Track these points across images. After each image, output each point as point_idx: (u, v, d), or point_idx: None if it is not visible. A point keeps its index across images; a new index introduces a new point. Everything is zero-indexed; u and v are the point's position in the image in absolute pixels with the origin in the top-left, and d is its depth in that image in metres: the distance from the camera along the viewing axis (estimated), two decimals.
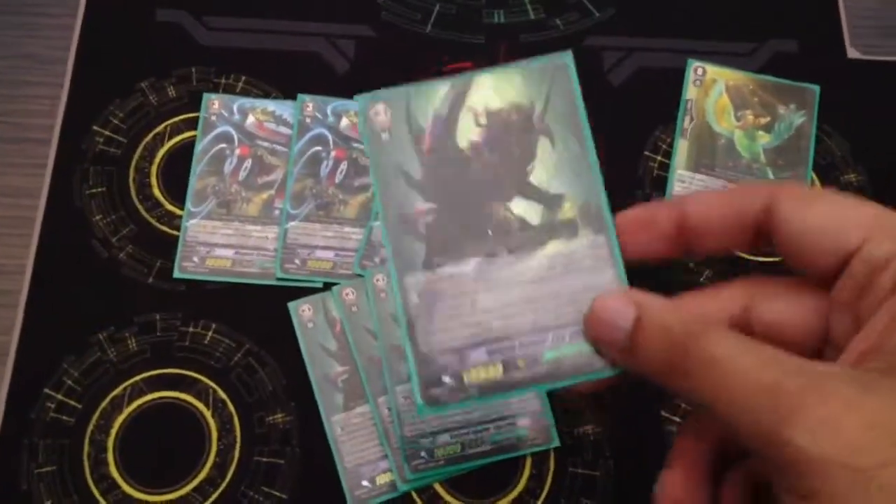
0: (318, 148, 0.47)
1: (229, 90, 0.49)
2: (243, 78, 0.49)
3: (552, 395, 0.42)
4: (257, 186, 0.46)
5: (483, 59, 0.50)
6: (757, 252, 0.46)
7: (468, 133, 0.29)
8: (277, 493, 0.41)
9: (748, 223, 0.26)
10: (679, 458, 0.27)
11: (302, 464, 0.41)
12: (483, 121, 0.29)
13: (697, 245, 0.28)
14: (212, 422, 0.42)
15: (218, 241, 0.45)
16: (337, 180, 0.47)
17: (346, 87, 0.49)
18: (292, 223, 0.45)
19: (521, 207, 0.28)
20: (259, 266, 0.45)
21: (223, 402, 0.42)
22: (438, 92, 0.29)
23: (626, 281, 0.28)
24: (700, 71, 0.51)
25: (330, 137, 0.47)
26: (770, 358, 0.23)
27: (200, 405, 0.42)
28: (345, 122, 0.48)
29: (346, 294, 0.43)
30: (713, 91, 0.50)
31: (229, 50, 0.50)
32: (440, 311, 0.27)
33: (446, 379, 0.27)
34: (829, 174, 0.49)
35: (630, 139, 0.49)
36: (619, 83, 0.50)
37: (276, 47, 0.50)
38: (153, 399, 0.42)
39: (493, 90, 0.29)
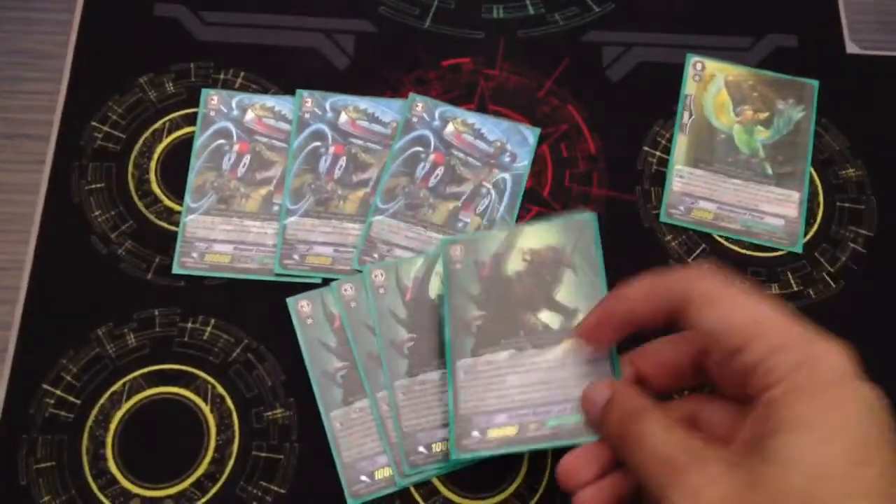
0: (318, 143, 0.47)
1: (228, 86, 0.49)
2: (242, 73, 0.49)
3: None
4: (256, 182, 0.46)
5: (482, 54, 0.50)
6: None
7: (516, 265, 0.40)
8: (276, 488, 0.41)
9: (670, 317, 0.33)
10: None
11: (300, 459, 0.41)
12: (528, 258, 0.40)
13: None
14: (210, 417, 0.42)
15: (217, 237, 0.45)
16: (336, 176, 0.47)
17: (346, 82, 0.49)
18: (291, 219, 0.45)
19: (547, 316, 0.39)
20: (258, 262, 0.45)
21: (221, 397, 0.42)
22: (497, 238, 0.41)
23: (619, 373, 0.37)
24: (699, 66, 0.51)
25: (329, 133, 0.47)
26: (676, 439, 0.30)
27: (199, 401, 0.42)
28: (344, 117, 0.48)
29: (345, 289, 0.43)
30: (712, 86, 0.50)
31: (228, 45, 0.50)
32: (478, 385, 0.38)
33: (475, 433, 0.38)
34: (827, 169, 0.49)
35: (629, 134, 0.49)
36: (619, 78, 0.50)
37: (274, 42, 0.50)
38: (152, 395, 0.42)
39: (536, 237, 0.41)
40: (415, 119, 0.48)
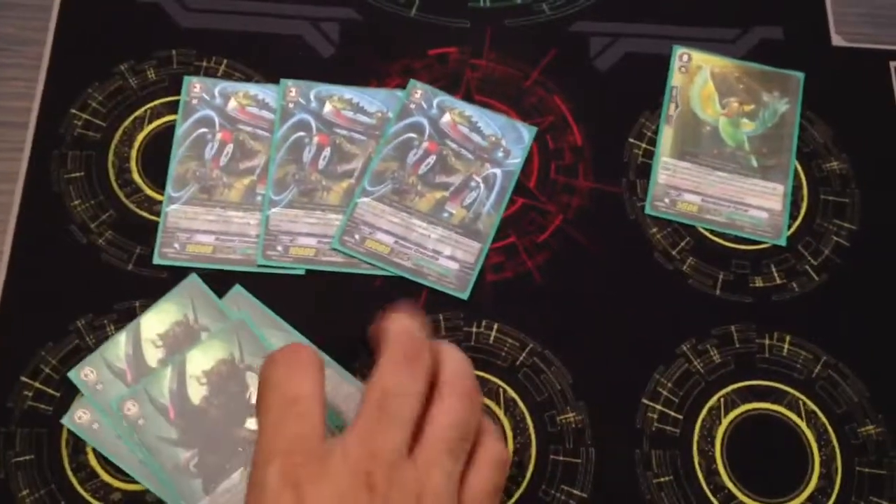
0: (302, 133, 0.47)
1: (211, 73, 0.48)
2: (225, 61, 0.48)
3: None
4: (239, 172, 0.46)
5: (468, 43, 0.50)
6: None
7: (198, 393, 0.40)
8: None
9: None
10: None
11: None
12: (204, 380, 0.40)
13: None
14: None
15: (199, 227, 0.45)
16: (320, 166, 0.46)
17: (331, 71, 0.49)
18: (274, 209, 0.45)
19: (253, 423, 0.39)
20: (241, 252, 0.44)
21: None
22: (166, 375, 0.40)
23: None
24: (685, 57, 0.51)
25: (313, 123, 0.47)
26: None
27: None
28: (328, 107, 0.47)
29: (128, 408, 0.40)
30: (698, 78, 0.50)
31: (210, 32, 0.49)
32: None
33: None
34: (812, 162, 0.49)
35: (615, 126, 0.49)
36: (606, 69, 0.50)
37: (258, 30, 0.49)
38: None
39: (202, 358, 0.41)
40: (412, 105, 0.47)
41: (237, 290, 0.43)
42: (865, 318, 0.45)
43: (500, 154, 0.47)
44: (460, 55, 0.50)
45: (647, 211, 0.47)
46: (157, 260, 0.44)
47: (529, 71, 0.50)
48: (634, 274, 0.46)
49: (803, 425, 0.43)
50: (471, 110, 0.48)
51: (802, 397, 0.43)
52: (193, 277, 0.42)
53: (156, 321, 0.42)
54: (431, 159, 0.46)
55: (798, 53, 0.51)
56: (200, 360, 0.41)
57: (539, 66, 0.50)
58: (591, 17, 0.51)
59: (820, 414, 0.43)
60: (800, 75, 0.50)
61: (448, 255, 0.44)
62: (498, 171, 0.47)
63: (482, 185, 0.46)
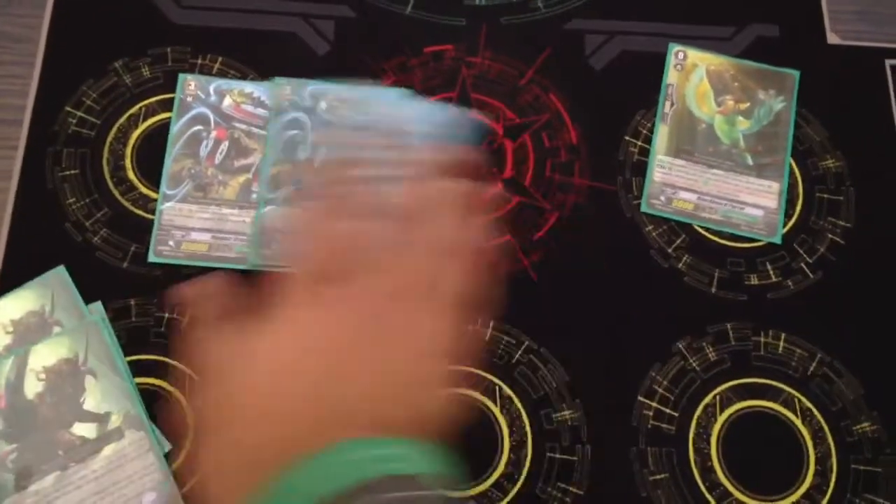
0: (199, 127, 0.46)
1: (205, 71, 0.48)
2: (220, 59, 0.48)
3: None
4: (234, 169, 0.46)
5: (464, 41, 0.50)
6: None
7: (34, 388, 0.40)
8: None
9: None
10: None
11: None
12: (43, 376, 0.40)
13: None
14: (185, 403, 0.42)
15: (194, 225, 0.44)
16: (217, 161, 0.46)
17: (326, 68, 0.48)
18: (168, 204, 0.44)
19: (80, 429, 0.40)
20: (237, 250, 0.44)
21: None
22: (6, 364, 0.40)
23: (165, 462, 0.39)
24: (681, 55, 0.51)
25: (211, 116, 0.46)
26: None
27: (178, 393, 0.42)
28: (228, 100, 0.47)
29: None
30: (694, 75, 0.50)
31: (205, 29, 0.49)
32: None
33: None
34: (807, 160, 0.49)
35: (611, 123, 0.49)
36: (601, 67, 0.50)
37: (253, 27, 0.49)
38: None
39: (46, 353, 0.41)
40: (189, 98, 0.47)
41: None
42: (860, 315, 0.46)
43: None
44: (456, 53, 0.50)
45: (643, 209, 0.47)
46: (152, 258, 0.44)
47: (525, 69, 0.50)
48: (630, 272, 0.46)
49: (798, 423, 0.43)
50: (251, 86, 0.47)
51: (798, 395, 0.43)
52: (60, 269, 0.42)
53: (12, 307, 0.41)
54: (224, 146, 0.46)
55: (793, 51, 0.51)
56: (44, 355, 0.41)
57: (535, 64, 0.50)
58: (586, 15, 0.51)
59: (815, 411, 0.43)
60: (795, 73, 0.50)
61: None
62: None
63: None
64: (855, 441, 0.43)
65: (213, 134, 0.46)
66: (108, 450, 0.39)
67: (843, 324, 0.45)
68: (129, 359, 0.42)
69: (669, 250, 0.46)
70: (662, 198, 0.47)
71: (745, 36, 0.51)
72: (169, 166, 0.45)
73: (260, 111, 0.47)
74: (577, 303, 0.45)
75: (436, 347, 0.29)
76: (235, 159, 0.46)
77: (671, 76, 0.50)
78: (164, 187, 0.45)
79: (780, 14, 0.52)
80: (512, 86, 0.49)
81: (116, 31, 0.48)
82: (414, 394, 0.28)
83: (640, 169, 0.48)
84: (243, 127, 0.47)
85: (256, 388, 0.27)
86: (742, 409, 0.43)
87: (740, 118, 0.49)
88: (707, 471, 0.42)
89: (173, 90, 0.47)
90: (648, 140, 0.49)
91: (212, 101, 0.47)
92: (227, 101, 0.47)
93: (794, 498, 0.41)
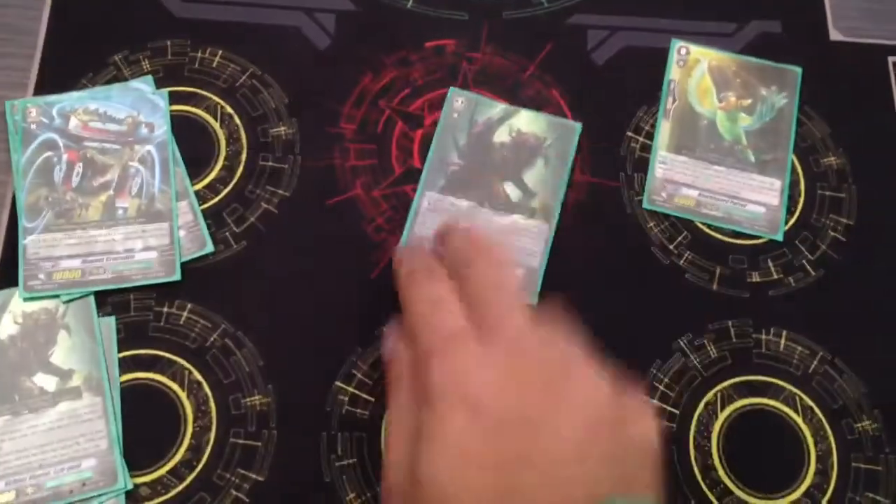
0: (49, 153, 0.45)
1: (206, 64, 0.48)
2: (220, 52, 0.48)
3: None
4: (94, 189, 0.44)
5: (465, 35, 0.50)
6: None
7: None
8: (254, 476, 0.40)
9: None
10: None
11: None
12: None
13: None
14: (187, 404, 0.41)
15: (62, 253, 0.43)
16: (74, 184, 0.44)
17: (327, 61, 0.48)
18: (30, 237, 0.43)
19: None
20: (112, 271, 0.43)
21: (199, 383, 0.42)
22: (496, 108, 0.47)
23: (118, 430, 0.39)
24: (683, 51, 0.50)
25: (60, 141, 0.45)
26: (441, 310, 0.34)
27: (176, 386, 0.42)
28: (74, 121, 0.45)
29: None
30: (696, 71, 0.50)
31: (205, 22, 0.49)
32: None
33: None
34: (809, 157, 0.49)
35: (613, 119, 0.49)
36: (604, 62, 0.50)
37: (253, 20, 0.49)
38: None
39: (526, 122, 0.47)
40: (32, 125, 0.45)
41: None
42: (862, 313, 0.45)
43: (145, 130, 0.46)
44: (457, 48, 0.50)
45: (645, 205, 0.47)
46: (23, 294, 0.42)
47: (527, 64, 0.49)
48: (631, 268, 0.46)
49: (799, 421, 0.43)
50: (94, 103, 0.46)
51: (799, 393, 0.43)
52: (579, 127, 0.46)
53: (525, 122, 0.47)
54: (79, 167, 0.44)
55: (796, 48, 0.51)
56: (524, 122, 0.46)
57: (536, 58, 0.50)
58: (588, 10, 0.51)
59: (816, 409, 0.43)
60: (798, 70, 0.50)
61: (142, 248, 0.43)
62: (150, 147, 0.45)
63: (142, 168, 0.45)
64: (856, 439, 0.43)
65: (65, 157, 0.45)
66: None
67: (845, 321, 0.45)
68: (127, 353, 0.42)
69: (671, 247, 0.46)
70: (664, 194, 0.47)
71: (747, 32, 0.51)
72: (23, 199, 0.44)
73: (110, 126, 0.46)
74: (577, 299, 0.45)
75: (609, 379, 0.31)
76: (93, 179, 0.45)
77: (673, 72, 0.50)
78: (23, 221, 0.43)
79: (782, 10, 0.52)
80: (514, 80, 0.49)
81: (116, 24, 0.48)
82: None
83: (642, 165, 0.48)
84: (95, 145, 0.45)
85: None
86: (743, 406, 0.43)
87: (742, 114, 0.49)
88: (708, 468, 0.42)
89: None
90: (650, 136, 0.48)
91: (57, 125, 0.45)
92: (74, 122, 0.46)
93: (794, 496, 0.41)
